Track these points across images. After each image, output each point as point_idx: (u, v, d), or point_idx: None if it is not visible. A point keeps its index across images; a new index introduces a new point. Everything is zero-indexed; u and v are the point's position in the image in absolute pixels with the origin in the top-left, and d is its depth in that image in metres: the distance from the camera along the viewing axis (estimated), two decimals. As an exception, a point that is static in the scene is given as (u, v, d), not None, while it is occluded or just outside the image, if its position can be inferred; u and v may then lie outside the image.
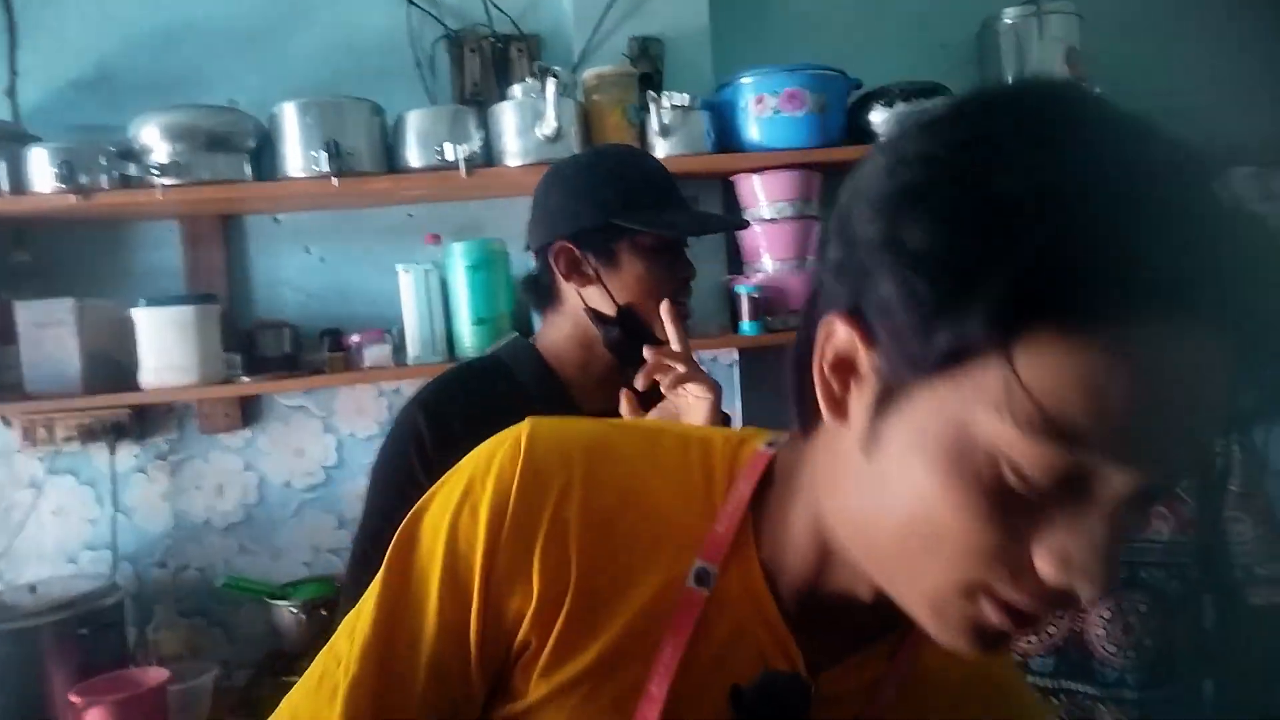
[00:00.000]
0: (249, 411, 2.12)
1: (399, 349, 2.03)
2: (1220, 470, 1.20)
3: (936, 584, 0.50)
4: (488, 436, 1.35)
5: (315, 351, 2.07)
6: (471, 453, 0.65)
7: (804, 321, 0.57)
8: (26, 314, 1.80)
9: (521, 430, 0.64)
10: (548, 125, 1.89)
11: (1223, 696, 1.25)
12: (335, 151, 1.79)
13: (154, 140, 1.81)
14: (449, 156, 1.91)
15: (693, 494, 0.62)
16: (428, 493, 0.65)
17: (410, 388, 2.17)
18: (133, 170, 1.79)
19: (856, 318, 0.50)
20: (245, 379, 1.91)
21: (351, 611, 0.64)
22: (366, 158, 1.92)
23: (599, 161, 1.34)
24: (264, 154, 1.94)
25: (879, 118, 2.05)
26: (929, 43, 2.34)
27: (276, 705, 0.64)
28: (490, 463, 0.62)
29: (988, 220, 0.43)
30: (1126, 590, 1.19)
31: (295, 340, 2.05)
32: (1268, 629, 1.21)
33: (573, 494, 0.60)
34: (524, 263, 2.09)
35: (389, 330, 2.05)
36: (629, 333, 1.29)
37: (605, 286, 1.28)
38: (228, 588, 1.81)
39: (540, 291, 1.36)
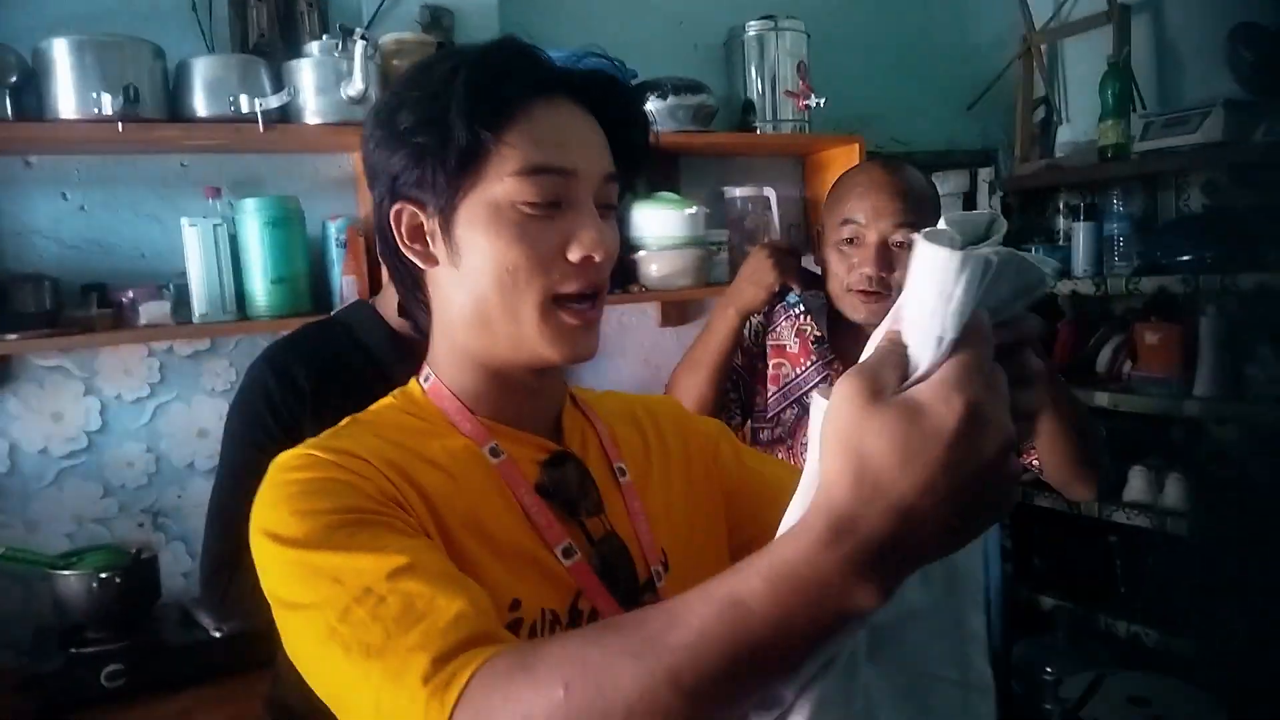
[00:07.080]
0: (-4, 373, 1.92)
1: (179, 306, 1.95)
2: None
3: (531, 307, 0.73)
4: (330, 389, 1.41)
5: (78, 308, 1.92)
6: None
7: (380, 238, 0.80)
8: None
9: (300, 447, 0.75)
10: (354, 87, 1.91)
11: None
12: (133, 97, 1.69)
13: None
14: (245, 109, 1.86)
15: (419, 428, 0.79)
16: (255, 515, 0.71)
17: (188, 348, 2.09)
18: None
19: (406, 199, 0.76)
20: (11, 336, 1.74)
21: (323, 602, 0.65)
22: (149, 103, 1.82)
23: None
24: (24, 91, 1.76)
25: (653, 106, 2.29)
26: (685, 43, 2.63)
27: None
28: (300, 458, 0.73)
29: (433, 98, 0.73)
30: None
31: (55, 295, 1.89)
32: None
33: (375, 450, 0.73)
34: (317, 222, 2.09)
35: (165, 286, 1.96)
36: None
37: None
38: (5, 559, 1.67)
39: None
